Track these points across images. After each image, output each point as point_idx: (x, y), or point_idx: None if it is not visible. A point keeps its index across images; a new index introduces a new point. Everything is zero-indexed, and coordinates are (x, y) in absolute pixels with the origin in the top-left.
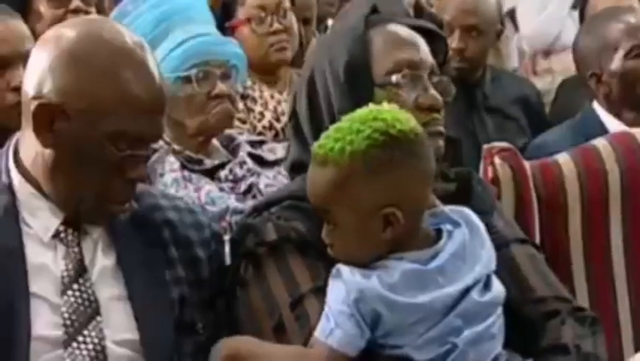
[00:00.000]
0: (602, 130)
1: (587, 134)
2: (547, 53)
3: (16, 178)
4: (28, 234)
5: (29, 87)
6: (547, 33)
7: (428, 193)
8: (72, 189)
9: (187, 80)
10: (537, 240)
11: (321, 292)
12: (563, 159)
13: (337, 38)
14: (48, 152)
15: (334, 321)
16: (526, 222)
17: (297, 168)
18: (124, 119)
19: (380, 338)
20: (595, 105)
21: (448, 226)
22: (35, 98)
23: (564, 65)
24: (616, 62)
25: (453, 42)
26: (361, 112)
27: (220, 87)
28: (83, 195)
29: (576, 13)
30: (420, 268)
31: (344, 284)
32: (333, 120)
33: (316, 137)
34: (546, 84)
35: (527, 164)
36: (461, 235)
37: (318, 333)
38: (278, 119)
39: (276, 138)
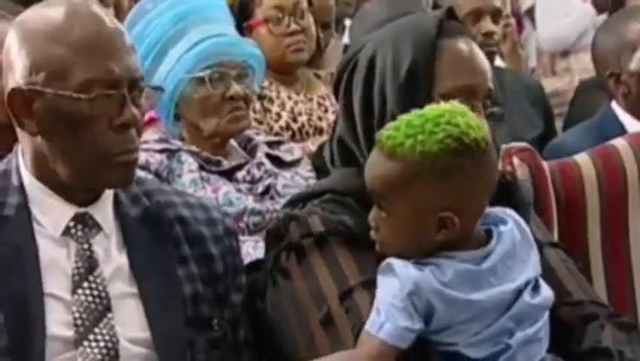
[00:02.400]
0: (621, 130)
1: (606, 135)
2: (566, 52)
3: (27, 177)
4: (40, 232)
5: (7, 88)
6: (566, 39)
7: (486, 201)
8: (75, 163)
9: (201, 81)
10: (556, 239)
11: (370, 285)
12: (582, 158)
13: (406, 37)
14: (39, 139)
15: (385, 315)
16: (545, 221)
17: (341, 145)
18: (86, 67)
19: (434, 334)
20: (614, 105)
21: (498, 227)
22: None
23: (582, 65)
24: (635, 62)
25: (485, 27)
26: (433, 111)
27: (235, 88)
28: (88, 163)
29: (599, 19)
30: (473, 268)
31: (397, 278)
32: (383, 114)
33: (366, 126)
34: (565, 84)
35: (545, 164)
36: (511, 235)
37: (368, 327)
38: (295, 120)
39: (293, 138)
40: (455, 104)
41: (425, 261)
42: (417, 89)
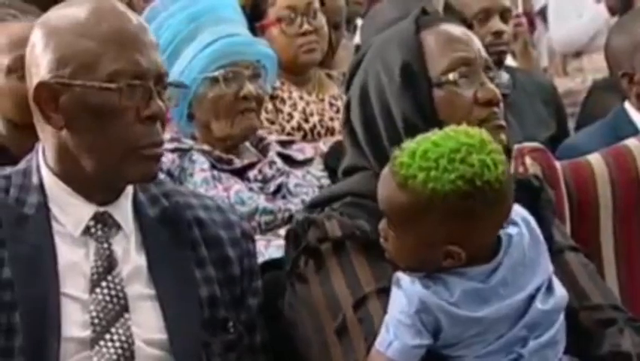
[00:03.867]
0: (634, 130)
1: (619, 135)
2: (578, 53)
3: (47, 176)
4: (59, 232)
5: (31, 84)
6: (579, 40)
7: (497, 232)
8: (102, 155)
9: (215, 80)
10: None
11: (384, 293)
12: (594, 158)
13: (389, 42)
14: (65, 134)
15: (393, 332)
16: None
17: (351, 172)
18: (114, 58)
19: (442, 348)
20: (627, 105)
21: (507, 230)
22: None
23: (595, 65)
24: None
25: (494, 26)
26: (451, 142)
27: (249, 88)
28: (115, 156)
29: (612, 21)
30: (481, 286)
31: (404, 294)
32: (391, 123)
33: (372, 143)
34: (577, 84)
35: (558, 164)
36: (521, 238)
37: (377, 344)
38: (306, 120)
39: (305, 138)
40: (475, 134)
41: (433, 276)
42: (415, 82)
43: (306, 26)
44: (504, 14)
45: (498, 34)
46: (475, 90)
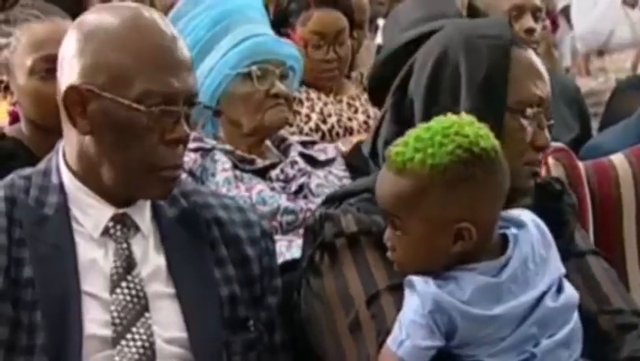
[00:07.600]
0: None
1: None
2: (601, 52)
3: (67, 176)
4: (79, 232)
5: (62, 84)
6: (599, 31)
7: (500, 209)
8: (121, 169)
9: (248, 76)
10: (592, 241)
11: (398, 289)
12: (618, 159)
13: (480, 42)
14: (89, 139)
15: (405, 332)
16: (581, 222)
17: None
18: (148, 79)
19: (455, 348)
20: None
21: (513, 230)
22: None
23: (617, 65)
24: None
25: (527, 23)
26: (442, 123)
27: (279, 87)
28: (134, 172)
29: (630, 12)
30: (493, 280)
31: (417, 295)
32: (450, 109)
33: (426, 117)
34: (600, 84)
35: (581, 164)
36: (529, 237)
37: (389, 342)
38: (324, 121)
39: (323, 139)
40: (462, 115)
41: (445, 275)
42: (493, 94)
43: (331, 54)
44: (536, 13)
45: (530, 31)
46: (534, 132)
